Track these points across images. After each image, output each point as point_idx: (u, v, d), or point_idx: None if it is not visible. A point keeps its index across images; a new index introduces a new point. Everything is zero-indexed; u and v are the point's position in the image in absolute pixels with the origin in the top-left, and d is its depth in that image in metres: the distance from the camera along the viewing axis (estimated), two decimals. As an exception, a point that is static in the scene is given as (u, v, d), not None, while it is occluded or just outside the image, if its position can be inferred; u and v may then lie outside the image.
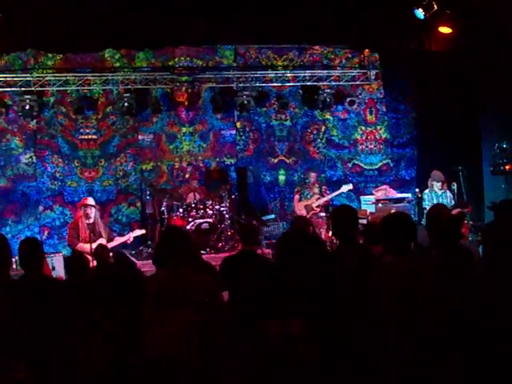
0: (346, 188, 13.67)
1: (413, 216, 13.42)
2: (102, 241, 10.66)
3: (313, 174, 13.87)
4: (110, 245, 10.60)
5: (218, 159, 15.58)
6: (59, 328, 5.21)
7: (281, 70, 15.57)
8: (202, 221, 13.60)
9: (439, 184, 12.64)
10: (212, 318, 4.87)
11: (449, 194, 12.70)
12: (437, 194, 12.65)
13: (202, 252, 12.97)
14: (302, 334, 3.80)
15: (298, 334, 3.76)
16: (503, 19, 11.55)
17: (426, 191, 12.82)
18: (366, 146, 16.02)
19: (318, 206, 13.43)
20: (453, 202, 12.57)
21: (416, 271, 4.80)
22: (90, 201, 11.15)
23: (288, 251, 4.41)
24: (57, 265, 12.10)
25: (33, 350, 5.07)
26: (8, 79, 14.07)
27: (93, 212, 10.95)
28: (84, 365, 5.01)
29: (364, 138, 16.03)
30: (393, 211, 12.51)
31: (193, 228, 13.40)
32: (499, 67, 12.53)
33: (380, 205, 13.56)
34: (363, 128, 16.03)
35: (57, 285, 6.08)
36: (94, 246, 10.33)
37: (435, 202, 12.50)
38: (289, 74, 15.44)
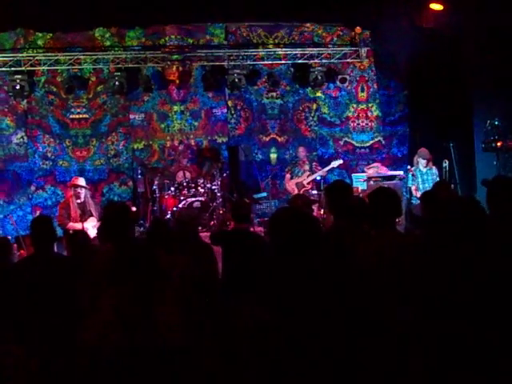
0: (336, 163, 13.67)
1: (404, 193, 13.43)
2: (93, 220, 10.69)
3: (301, 149, 13.90)
4: (101, 223, 10.60)
5: (209, 138, 15.57)
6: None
7: (272, 47, 15.52)
8: (193, 199, 13.61)
9: (424, 161, 12.61)
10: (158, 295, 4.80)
11: (434, 171, 12.66)
12: (421, 171, 12.62)
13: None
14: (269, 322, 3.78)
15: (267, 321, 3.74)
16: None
17: (412, 168, 12.82)
18: (358, 124, 16.01)
19: (309, 183, 13.45)
20: (438, 180, 12.56)
21: (400, 244, 4.83)
22: (81, 181, 11.08)
23: (282, 229, 4.40)
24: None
25: (38, 334, 5.06)
26: (-2, 59, 14.04)
27: (83, 192, 10.90)
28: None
29: (355, 116, 16.02)
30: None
31: (185, 206, 13.42)
32: (491, 44, 12.49)
33: (372, 182, 13.52)
34: (355, 106, 16.01)
35: (68, 263, 6.09)
36: (86, 224, 10.40)
37: (419, 179, 12.52)
38: (280, 52, 15.40)
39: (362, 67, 15.92)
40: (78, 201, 10.82)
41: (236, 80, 14.73)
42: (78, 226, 10.38)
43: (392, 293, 4.47)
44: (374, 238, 5.06)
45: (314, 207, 12.75)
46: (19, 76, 13.92)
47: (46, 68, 14.44)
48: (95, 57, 14.56)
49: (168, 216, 13.15)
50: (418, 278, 4.39)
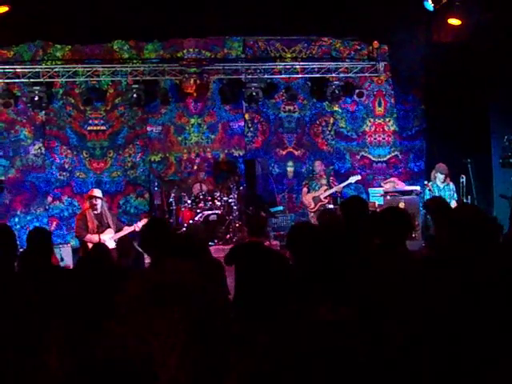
0: (353, 179, 13.65)
1: (421, 208, 13.38)
2: (110, 231, 10.71)
3: (317, 163, 13.89)
4: (118, 235, 10.71)
5: (226, 151, 15.59)
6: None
7: (289, 61, 15.53)
8: (210, 212, 13.60)
9: (442, 177, 12.54)
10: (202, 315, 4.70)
11: (451, 186, 12.60)
12: (439, 187, 12.55)
13: (210, 244, 12.99)
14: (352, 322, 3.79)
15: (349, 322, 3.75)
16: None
17: (429, 184, 12.76)
18: (375, 138, 15.99)
19: (325, 198, 13.44)
20: (455, 196, 12.49)
21: (408, 263, 4.88)
22: (97, 192, 11.11)
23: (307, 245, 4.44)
24: (65, 255, 12.16)
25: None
26: (17, 70, 14.12)
27: (99, 203, 10.92)
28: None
29: (373, 130, 16.00)
30: (401, 204, 12.62)
31: (201, 219, 13.42)
32: (509, 59, 12.46)
33: (388, 197, 13.47)
34: (372, 120, 16.00)
35: (66, 274, 6.08)
36: (103, 236, 10.42)
37: (436, 194, 12.44)
38: (297, 66, 15.40)
39: (379, 81, 15.91)
40: (95, 212, 10.83)
41: (253, 93, 14.74)
42: (96, 237, 10.41)
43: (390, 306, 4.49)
44: (384, 253, 5.11)
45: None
46: (38, 87, 13.99)
47: (64, 80, 14.50)
48: (113, 69, 14.60)
49: (184, 229, 13.15)
50: (417, 291, 4.42)
